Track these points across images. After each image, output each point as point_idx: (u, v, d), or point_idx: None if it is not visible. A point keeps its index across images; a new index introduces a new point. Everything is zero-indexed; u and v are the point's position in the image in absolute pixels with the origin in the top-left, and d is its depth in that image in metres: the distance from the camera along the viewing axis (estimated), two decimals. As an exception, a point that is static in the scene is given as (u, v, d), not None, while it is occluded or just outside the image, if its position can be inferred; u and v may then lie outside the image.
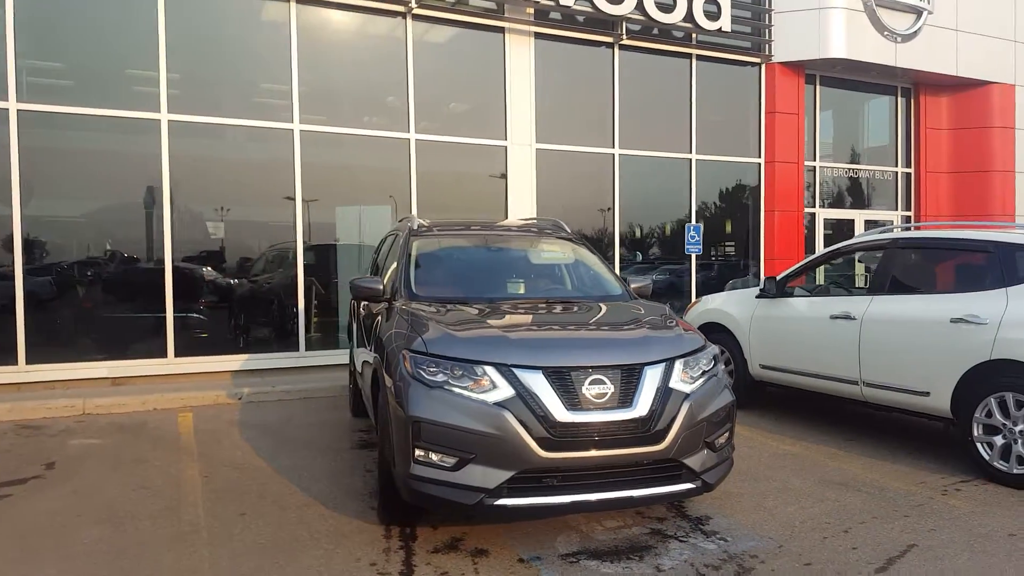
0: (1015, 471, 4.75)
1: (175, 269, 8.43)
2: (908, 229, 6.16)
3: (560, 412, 3.45)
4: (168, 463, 5.34)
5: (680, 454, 3.60)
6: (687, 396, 3.69)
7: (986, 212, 13.80)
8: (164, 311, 8.44)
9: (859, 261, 11.18)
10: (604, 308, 4.53)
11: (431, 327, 3.88)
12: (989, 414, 4.89)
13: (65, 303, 8.12)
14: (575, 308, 4.55)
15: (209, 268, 9.06)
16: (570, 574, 3.49)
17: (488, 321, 4.02)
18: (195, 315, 8.79)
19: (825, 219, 13.42)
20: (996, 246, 5.12)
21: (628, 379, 3.60)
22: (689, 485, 3.65)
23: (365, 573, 3.50)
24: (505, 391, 3.48)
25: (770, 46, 12.17)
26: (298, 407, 7.32)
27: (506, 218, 10.28)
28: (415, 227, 5.36)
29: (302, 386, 7.96)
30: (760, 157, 12.58)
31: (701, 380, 3.81)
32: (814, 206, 13.27)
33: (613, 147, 11.29)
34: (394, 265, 5.55)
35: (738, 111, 12.57)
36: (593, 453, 3.45)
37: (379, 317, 4.72)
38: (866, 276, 6.58)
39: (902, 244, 5.82)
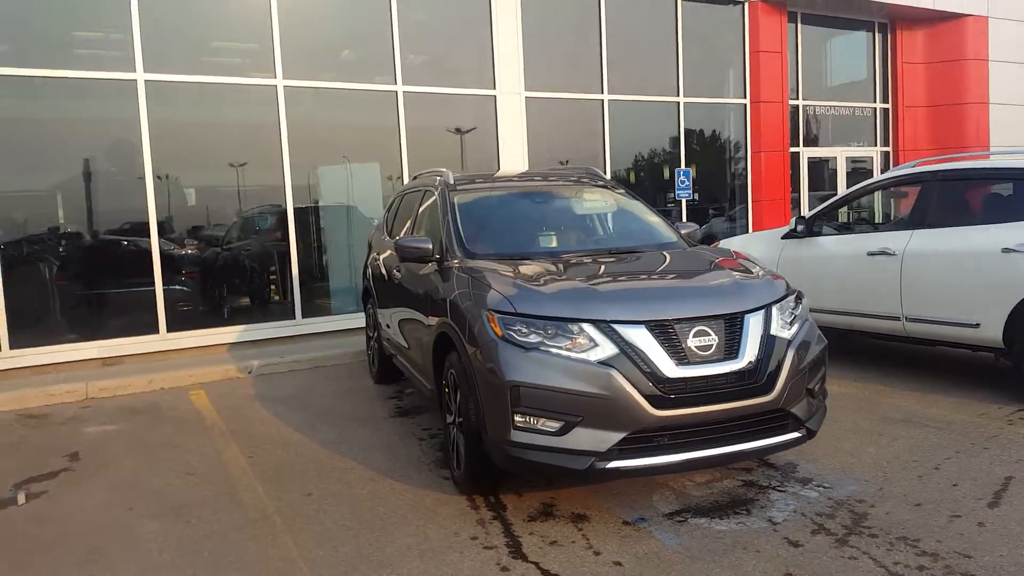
0: (1076, 397, 4.76)
1: (162, 240, 7.93)
2: (935, 163, 6.06)
3: (668, 367, 3.26)
4: (202, 445, 5.02)
5: (787, 403, 3.46)
6: (789, 343, 3.54)
7: (962, 144, 13.94)
8: (153, 284, 7.97)
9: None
10: (674, 256, 4.33)
11: (512, 285, 3.63)
12: (1046, 342, 4.87)
13: (41, 282, 7.58)
14: (646, 258, 4.34)
15: (196, 238, 8.58)
16: (684, 534, 3.34)
17: (569, 276, 3.78)
18: (185, 287, 8.34)
19: (809, 158, 13.41)
20: (1046, 173, 5.05)
21: (731, 329, 3.42)
22: (796, 434, 3.52)
23: (470, 548, 3.29)
24: (608, 348, 3.27)
25: (754, -17, 11.90)
26: (314, 377, 7.01)
27: (499, 169, 9.96)
28: (451, 182, 5.03)
29: (311, 355, 7.62)
30: (746, 98, 12.44)
31: (797, 325, 3.65)
32: (797, 145, 13.23)
33: (602, 93, 11.01)
34: (423, 224, 5.27)
35: (723, 52, 12.37)
36: (704, 408, 3.28)
37: (431, 278, 4.43)
38: (882, 214, 6.47)
39: (942, 176, 5.73)
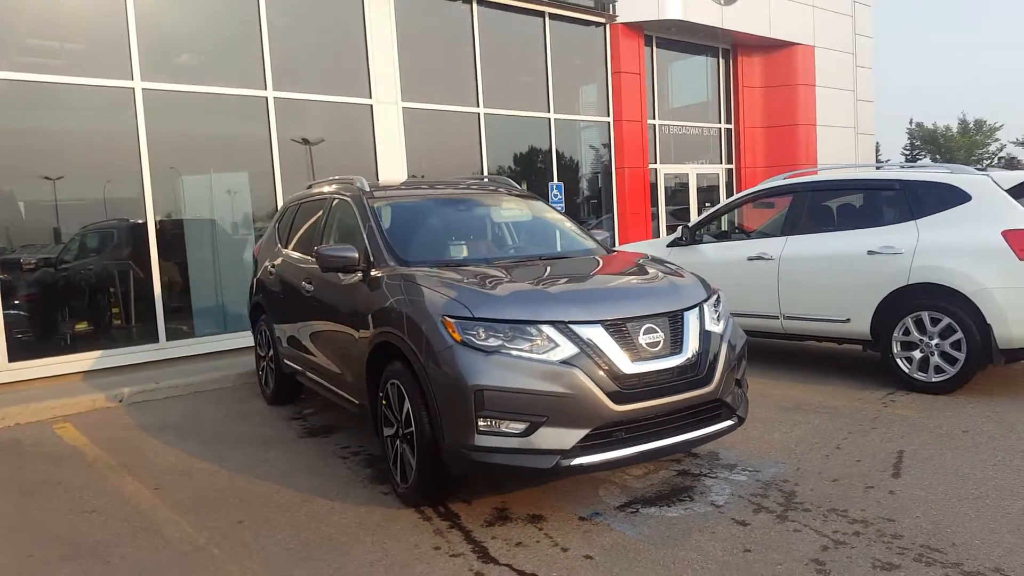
0: (933, 379, 5.42)
1: (1, 260, 7.10)
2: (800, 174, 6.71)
3: (625, 364, 3.38)
4: (91, 481, 4.55)
5: (723, 393, 3.69)
6: (721, 336, 3.79)
7: (794, 162, 15.45)
8: (-8, 310, 7.11)
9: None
10: (603, 261, 4.49)
11: (464, 290, 3.62)
12: (906, 332, 5.52)
13: None
14: (578, 262, 4.46)
15: (40, 256, 7.74)
16: (640, 523, 3.46)
17: (515, 280, 3.82)
18: (26, 311, 7.49)
19: (665, 174, 14.30)
20: (902, 184, 5.75)
21: (674, 326, 3.61)
22: (729, 422, 3.76)
23: (436, 558, 3.23)
24: (568, 349, 3.34)
25: (614, 7, 12.58)
26: (196, 402, 6.54)
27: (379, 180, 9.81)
28: (366, 189, 4.93)
29: (189, 379, 7.10)
30: (609, 116, 13.09)
31: (724, 320, 3.91)
32: (655, 162, 14.07)
33: (478, 106, 11.17)
34: (332, 233, 5.12)
35: (589, 71, 12.95)
36: (657, 402, 3.43)
37: (357, 288, 4.30)
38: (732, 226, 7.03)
39: (811, 187, 6.35)
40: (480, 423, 3.29)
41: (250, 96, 8.81)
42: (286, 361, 5.77)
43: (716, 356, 3.69)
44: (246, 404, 6.35)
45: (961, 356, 5.25)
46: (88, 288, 7.89)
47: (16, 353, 7.19)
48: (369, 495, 4.04)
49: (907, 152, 61.42)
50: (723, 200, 15.27)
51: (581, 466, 3.31)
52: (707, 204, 15.28)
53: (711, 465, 4.18)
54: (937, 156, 60.33)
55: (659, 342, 3.51)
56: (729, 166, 15.62)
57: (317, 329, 4.96)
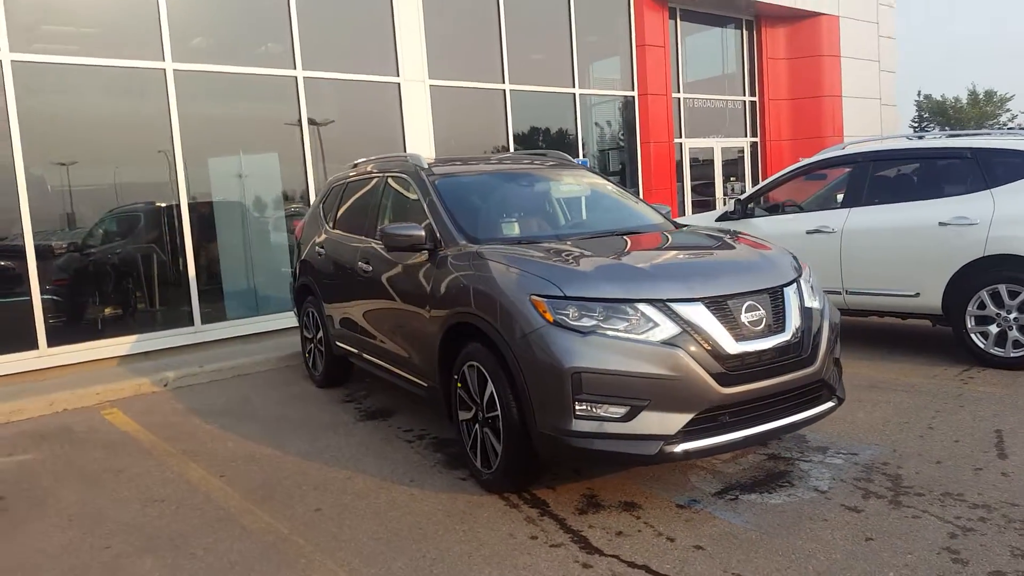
0: (1012, 355, 5.24)
1: (37, 244, 6.92)
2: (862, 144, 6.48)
3: (730, 344, 3.21)
4: (153, 468, 4.41)
5: (825, 374, 3.52)
6: (821, 313, 3.60)
7: (820, 134, 15.16)
8: (29, 294, 6.95)
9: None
10: (684, 235, 4.30)
11: (552, 268, 3.43)
12: (982, 306, 5.33)
13: None
14: (657, 238, 4.27)
15: (74, 240, 7.57)
16: (744, 511, 3.31)
17: (600, 257, 3.63)
18: (63, 297, 7.33)
19: (690, 148, 14.03)
20: (973, 152, 5.52)
21: (775, 302, 3.43)
22: (831, 403, 3.59)
23: (537, 548, 3.08)
24: (669, 328, 3.16)
25: (639, -22, 12.26)
26: (243, 386, 6.39)
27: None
28: (423, 165, 4.73)
29: (233, 362, 6.96)
30: (634, 90, 12.81)
31: (819, 295, 3.73)
32: (680, 136, 13.81)
33: (504, 82, 10.92)
34: (387, 212, 4.95)
35: (613, 45, 12.66)
36: (763, 383, 3.26)
37: (424, 268, 4.13)
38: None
39: (873, 157, 6.12)
40: (578, 407, 3.12)
41: (280, 76, 8.60)
42: (338, 343, 5.61)
43: (818, 334, 3.51)
44: (295, 387, 6.21)
45: (1042, 330, 5.06)
46: (122, 272, 7.73)
47: (55, 338, 7.04)
48: (446, 481, 3.89)
49: (915, 124, 60.77)
50: (748, 173, 15.02)
51: (686, 452, 3.15)
52: (732, 178, 15.04)
53: (801, 448, 4.01)
54: (946, 127, 59.70)
55: (761, 320, 3.33)
56: (754, 139, 15.33)
57: (377, 310, 4.79)
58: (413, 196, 4.67)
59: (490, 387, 3.52)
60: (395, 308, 4.51)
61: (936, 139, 6.00)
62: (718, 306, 3.26)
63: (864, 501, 3.33)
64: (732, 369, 3.19)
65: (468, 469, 3.93)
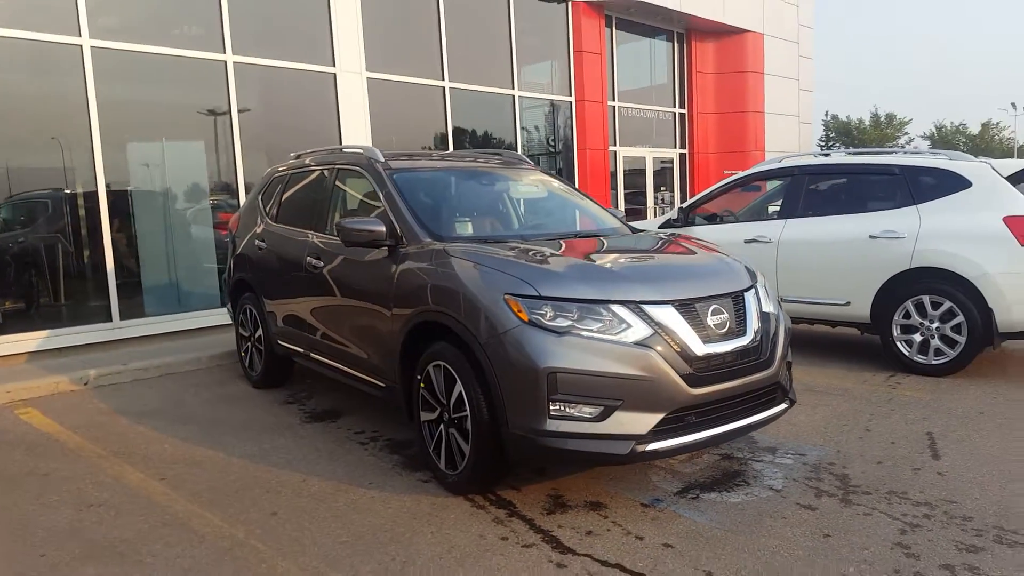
0: (933, 362, 5.57)
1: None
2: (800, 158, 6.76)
3: (698, 346, 3.28)
4: (85, 471, 4.15)
5: (780, 376, 3.64)
6: (777, 318, 3.73)
7: (744, 148, 15.78)
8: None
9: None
10: (645, 240, 4.36)
11: (526, 268, 3.43)
12: (907, 316, 5.65)
13: None
14: (620, 241, 4.32)
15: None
16: (706, 510, 3.39)
17: (571, 259, 3.65)
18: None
19: (624, 156, 14.32)
20: (901, 169, 5.85)
21: (737, 306, 3.54)
22: (784, 405, 3.72)
23: (509, 549, 3.06)
24: (641, 330, 3.21)
25: (576, -17, 12.43)
26: (171, 385, 6.10)
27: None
28: (380, 158, 4.64)
29: (157, 361, 6.64)
30: (572, 95, 12.97)
31: (773, 302, 3.86)
32: (615, 144, 14.07)
33: (443, 79, 10.86)
34: (336, 206, 4.84)
35: (551, 49, 12.79)
36: (727, 385, 3.35)
37: (383, 265, 4.05)
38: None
39: (809, 171, 6.40)
40: (552, 407, 3.12)
41: (208, 60, 8.26)
42: (280, 342, 5.43)
43: (775, 338, 3.64)
44: (230, 387, 5.97)
45: (962, 339, 5.41)
46: (30, 263, 7.24)
47: (-49, 332, 6.54)
48: (407, 483, 3.82)
49: (822, 143, 63.97)
50: (677, 183, 15.44)
51: (656, 451, 3.20)
52: (662, 188, 15.43)
53: (752, 449, 4.14)
54: (849, 147, 63.13)
55: (725, 323, 3.43)
56: (682, 151, 15.78)
57: (328, 307, 4.66)
58: (368, 190, 4.57)
59: (458, 387, 3.47)
60: (350, 306, 4.40)
61: (867, 155, 6.31)
62: (686, 309, 3.33)
63: (817, 499, 3.46)
64: (699, 370, 3.26)
65: (429, 471, 3.87)
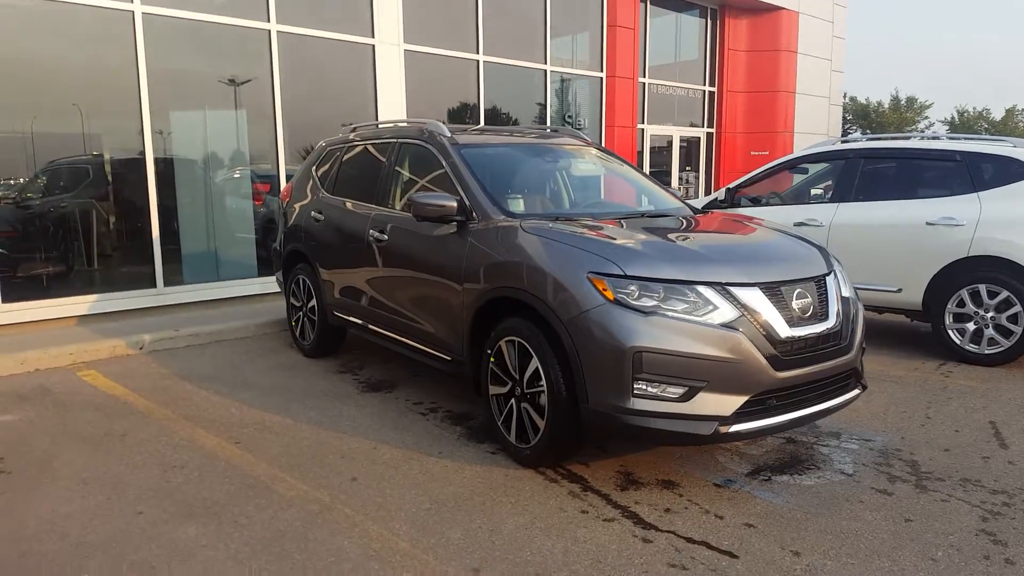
0: (987, 351, 5.57)
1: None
2: (856, 142, 6.71)
3: (783, 329, 3.30)
4: (159, 433, 4.23)
5: (857, 361, 3.66)
6: (855, 302, 3.75)
7: (773, 128, 15.63)
8: (-14, 245, 6.52)
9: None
10: (717, 220, 4.36)
11: (610, 247, 3.45)
12: (961, 304, 5.64)
13: None
14: (692, 221, 4.32)
15: (32, 192, 7.12)
16: (781, 492, 3.43)
17: (652, 239, 3.66)
18: (21, 253, 6.90)
19: (651, 134, 14.22)
20: (962, 155, 5.81)
21: (820, 291, 3.55)
22: (857, 391, 3.74)
23: (592, 523, 3.12)
24: (728, 312, 3.23)
25: (611, -44, 12.26)
26: (224, 352, 6.18)
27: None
28: (446, 133, 4.64)
29: (209, 328, 6.71)
30: (603, 71, 12.85)
31: (851, 287, 3.87)
32: (643, 122, 13.96)
33: (478, 53, 10.79)
34: (398, 181, 4.85)
35: (584, 23, 12.65)
36: (810, 369, 3.38)
37: (454, 240, 4.07)
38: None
39: (865, 154, 6.35)
40: (636, 386, 3.16)
41: (253, 28, 8.23)
42: (336, 313, 5.48)
43: (854, 322, 3.66)
44: (282, 355, 6.04)
45: (1018, 330, 5.41)
46: (76, 228, 7.29)
47: (11, 293, 6.62)
48: (475, 454, 3.88)
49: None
50: (703, 163, 15.34)
51: (738, 433, 3.23)
52: (687, 168, 15.34)
53: (815, 434, 4.18)
54: (867, 131, 62.38)
55: (809, 307, 3.44)
56: (710, 130, 15.65)
57: (392, 281, 4.70)
58: (434, 165, 4.58)
59: (534, 363, 3.51)
60: (416, 279, 4.44)
61: (926, 140, 6.26)
62: (772, 292, 3.35)
63: (891, 484, 3.50)
64: (784, 354, 3.29)
65: (496, 443, 3.94)
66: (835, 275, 3.71)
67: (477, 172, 4.30)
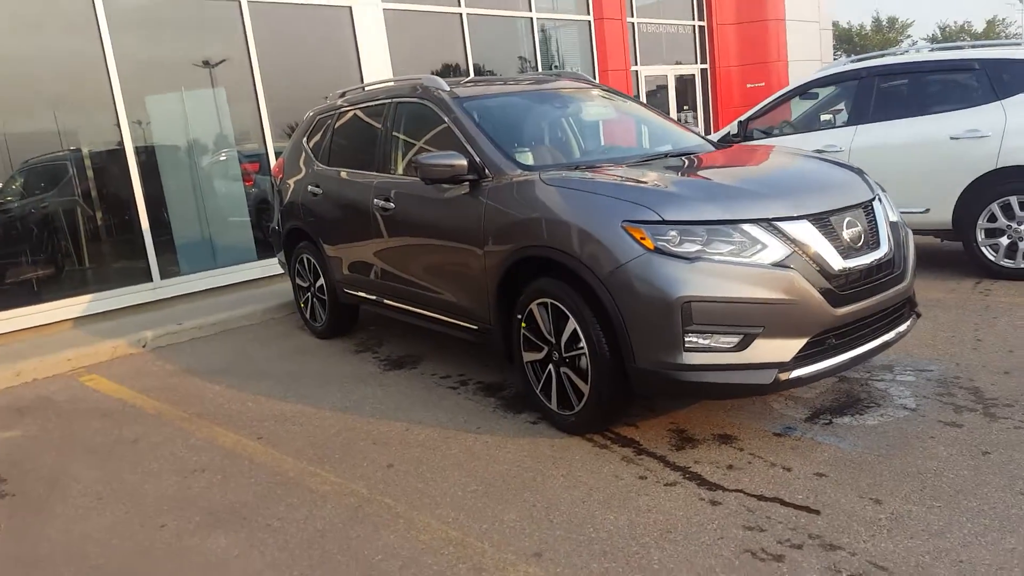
0: (1022, 265, 5.34)
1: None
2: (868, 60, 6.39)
3: (837, 262, 3.06)
4: (173, 436, 4.00)
5: (912, 289, 3.43)
6: (903, 226, 3.50)
7: (766, 59, 15.20)
8: (-32, 253, 6.22)
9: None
10: (746, 152, 4.08)
11: (641, 191, 3.18)
12: (992, 219, 5.40)
13: None
14: (719, 156, 4.04)
15: (10, 195, 6.79)
16: (846, 436, 3.23)
17: (691, 176, 3.39)
18: (6, 259, 6.60)
19: (646, 76, 13.80)
20: (982, 63, 5.50)
21: (869, 217, 3.30)
22: (912, 319, 3.52)
23: (653, 489, 2.91)
24: (778, 250, 2.98)
25: None
26: (232, 342, 5.94)
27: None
28: (445, 87, 4.33)
29: (212, 318, 6.45)
30: (589, 14, 12.40)
31: (896, 210, 3.62)
32: (636, 64, 13.54)
33: (460, 6, 10.36)
34: (398, 143, 4.55)
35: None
36: (868, 302, 3.14)
37: (467, 201, 3.80)
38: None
39: (879, 72, 6.04)
40: (688, 339, 2.92)
41: (222, 1, 7.79)
42: (346, 290, 5.22)
43: (905, 248, 3.42)
44: (294, 339, 5.80)
45: (1055, 239, 5.16)
46: (60, 227, 6.98)
47: (2, 303, 6.35)
48: (516, 426, 3.66)
49: (824, 52, 62.12)
50: (700, 100, 14.94)
51: (799, 379, 3.01)
52: (685, 107, 14.94)
53: (867, 368, 3.96)
54: (851, 55, 61.47)
55: (860, 236, 3.20)
56: (703, 66, 15.23)
57: (404, 251, 4.43)
58: (436, 123, 4.28)
59: (571, 324, 3.27)
60: (431, 247, 4.17)
61: (941, 52, 5.94)
62: (822, 223, 3.10)
63: (958, 416, 3.29)
64: (840, 288, 3.05)
65: (536, 412, 3.72)
66: (880, 199, 3.45)
67: (484, 126, 4.00)
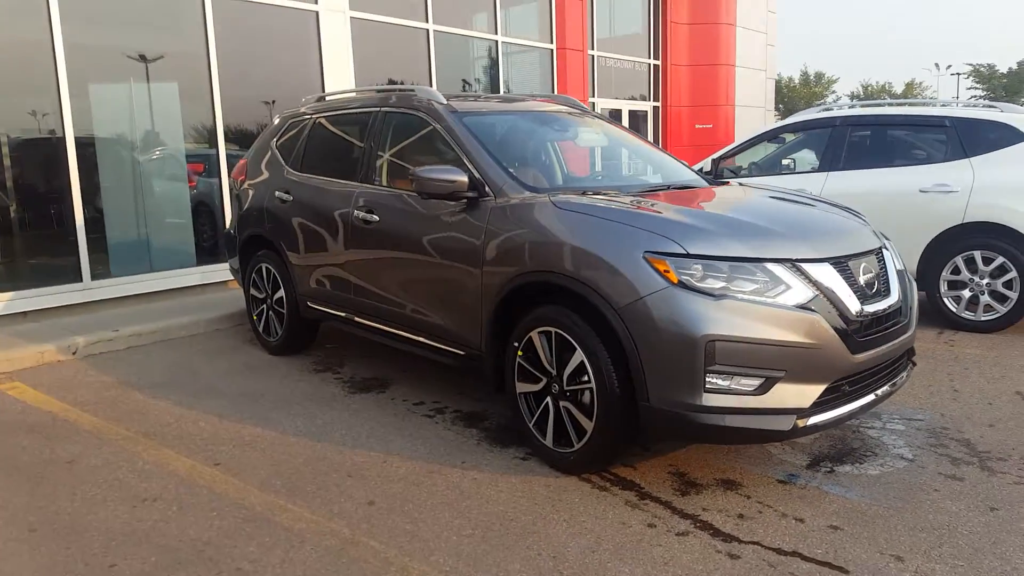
0: (982, 318, 5.48)
1: None
2: (844, 108, 6.52)
3: (856, 308, 2.99)
4: (116, 457, 3.60)
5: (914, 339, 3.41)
6: (908, 275, 3.49)
7: (715, 102, 15.58)
8: None
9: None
10: (757, 193, 3.99)
11: (664, 222, 3.04)
12: (955, 271, 5.53)
13: None
14: (729, 193, 3.95)
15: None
16: (851, 484, 3.14)
17: (701, 211, 3.28)
18: None
19: (601, 109, 13.90)
20: (953, 121, 5.67)
21: (880, 264, 3.26)
22: (909, 368, 3.49)
23: (664, 538, 2.74)
24: (802, 292, 2.88)
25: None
26: (174, 354, 5.50)
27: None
28: (442, 100, 4.13)
29: (153, 326, 5.98)
30: (552, 43, 12.42)
31: (900, 258, 3.61)
32: (593, 95, 13.63)
33: (427, 22, 10.18)
34: (381, 155, 4.32)
35: (534, -8, 12.17)
36: (882, 349, 3.08)
37: (464, 220, 3.60)
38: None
39: (852, 122, 6.16)
40: (708, 380, 2.78)
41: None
42: (311, 304, 4.90)
43: (912, 298, 3.39)
44: (244, 354, 5.41)
45: (1014, 295, 5.33)
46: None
47: None
48: (504, 462, 3.43)
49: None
50: (650, 137, 15.14)
51: (816, 426, 2.91)
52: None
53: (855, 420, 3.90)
54: (780, 106, 64.32)
55: (874, 282, 3.15)
56: (656, 103, 15.47)
57: (386, 267, 4.17)
58: (430, 136, 4.07)
59: (577, 356, 3.09)
60: (419, 263, 3.92)
61: (915, 107, 6.12)
62: (842, 267, 3.03)
63: (956, 468, 3.26)
64: (858, 334, 2.97)
65: (524, 446, 3.50)
66: (887, 248, 3.43)
67: (486, 143, 3.81)
